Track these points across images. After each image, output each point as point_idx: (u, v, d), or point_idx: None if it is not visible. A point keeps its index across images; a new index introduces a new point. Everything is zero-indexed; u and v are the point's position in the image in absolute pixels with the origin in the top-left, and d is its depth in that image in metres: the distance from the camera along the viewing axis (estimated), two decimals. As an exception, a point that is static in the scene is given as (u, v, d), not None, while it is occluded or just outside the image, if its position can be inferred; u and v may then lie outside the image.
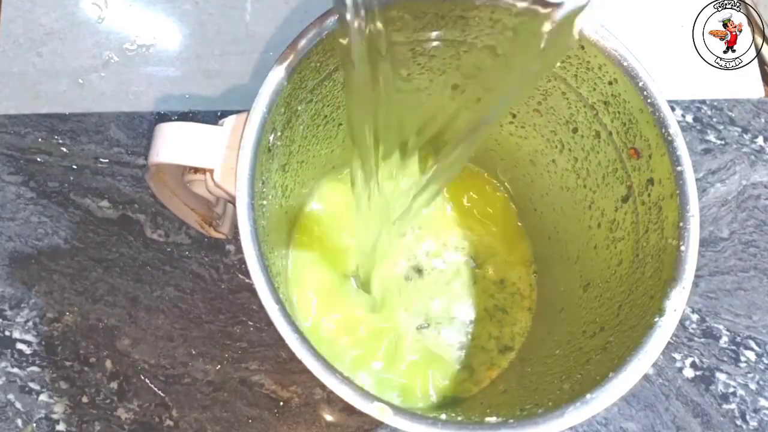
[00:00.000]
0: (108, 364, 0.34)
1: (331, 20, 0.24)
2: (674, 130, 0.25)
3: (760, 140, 0.41)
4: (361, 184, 0.25)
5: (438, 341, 0.34)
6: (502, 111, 0.23)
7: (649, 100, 0.25)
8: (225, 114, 0.28)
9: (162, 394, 0.34)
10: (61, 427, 0.34)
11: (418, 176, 0.25)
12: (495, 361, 0.33)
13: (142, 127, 0.38)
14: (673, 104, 0.40)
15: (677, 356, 0.36)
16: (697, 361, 0.36)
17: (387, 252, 0.33)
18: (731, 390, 0.36)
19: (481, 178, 0.37)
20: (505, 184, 0.36)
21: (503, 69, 0.21)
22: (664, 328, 0.23)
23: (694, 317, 0.37)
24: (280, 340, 0.21)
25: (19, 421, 0.34)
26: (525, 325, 0.34)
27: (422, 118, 0.24)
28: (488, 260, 0.35)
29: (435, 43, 0.26)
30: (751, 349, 0.37)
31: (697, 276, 0.32)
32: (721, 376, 0.36)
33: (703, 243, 0.38)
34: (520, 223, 0.36)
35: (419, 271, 0.35)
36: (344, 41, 0.21)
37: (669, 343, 0.24)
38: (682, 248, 0.24)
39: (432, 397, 0.32)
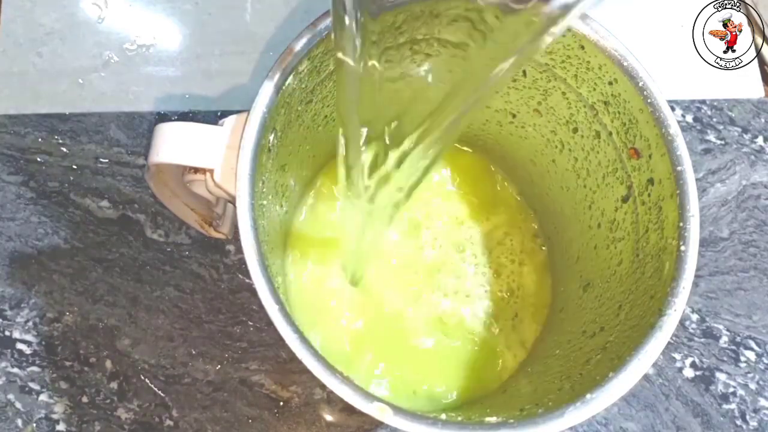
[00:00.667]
0: (108, 364, 0.34)
1: (331, 20, 0.24)
2: (674, 130, 0.25)
3: (760, 140, 0.41)
4: (347, 175, 0.25)
5: (446, 340, 0.33)
6: (481, 100, 0.23)
7: (649, 100, 0.25)
8: (225, 114, 0.28)
9: (162, 394, 0.34)
10: (61, 427, 0.34)
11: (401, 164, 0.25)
12: (507, 363, 0.33)
13: (142, 127, 0.38)
14: (673, 104, 0.40)
15: (677, 356, 0.36)
16: (697, 361, 0.36)
17: (380, 248, 0.33)
18: (731, 390, 0.36)
19: (481, 177, 0.37)
20: (505, 183, 0.36)
21: (489, 63, 0.21)
22: (664, 328, 0.23)
23: (694, 317, 0.37)
24: (280, 340, 0.21)
25: (19, 421, 0.34)
26: (537, 328, 0.34)
27: (413, 111, 0.24)
28: (497, 258, 0.35)
29: (431, 43, 0.26)
30: (751, 349, 0.37)
31: (697, 276, 0.32)
32: (721, 376, 0.36)
33: (703, 243, 0.38)
34: (535, 225, 0.36)
35: (424, 270, 0.35)
36: (341, 42, 0.20)
37: (669, 343, 0.24)
38: (682, 248, 0.24)
39: (444, 399, 0.32)
